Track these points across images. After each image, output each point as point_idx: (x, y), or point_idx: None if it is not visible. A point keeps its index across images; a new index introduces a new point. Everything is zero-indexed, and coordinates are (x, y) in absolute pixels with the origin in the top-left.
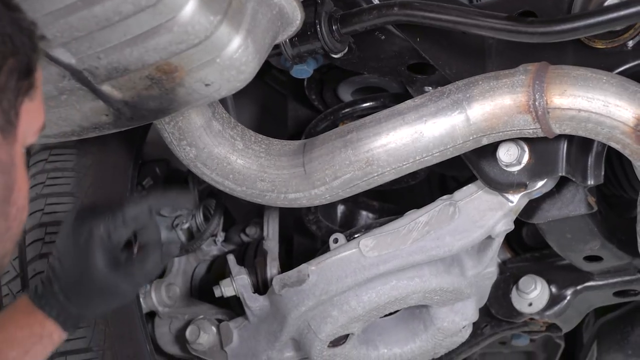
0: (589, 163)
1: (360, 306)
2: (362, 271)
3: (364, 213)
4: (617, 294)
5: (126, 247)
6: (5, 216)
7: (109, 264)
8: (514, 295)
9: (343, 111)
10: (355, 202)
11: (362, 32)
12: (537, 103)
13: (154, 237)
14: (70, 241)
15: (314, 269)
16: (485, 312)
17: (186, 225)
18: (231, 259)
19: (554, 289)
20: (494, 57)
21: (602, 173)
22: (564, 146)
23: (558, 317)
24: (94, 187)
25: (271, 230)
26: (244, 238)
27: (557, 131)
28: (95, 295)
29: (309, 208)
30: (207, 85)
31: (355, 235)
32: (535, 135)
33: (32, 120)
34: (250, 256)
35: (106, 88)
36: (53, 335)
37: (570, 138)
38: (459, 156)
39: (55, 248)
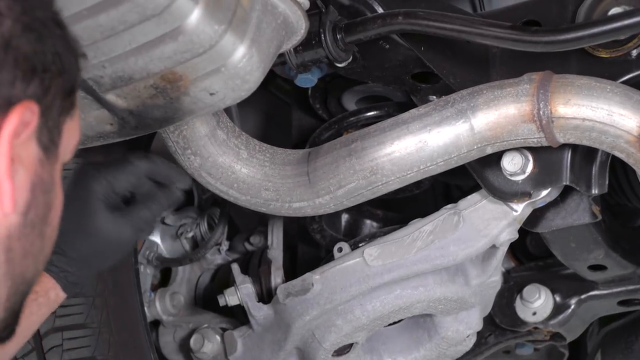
0: (593, 172)
1: (364, 315)
2: (366, 280)
3: (368, 222)
4: (621, 303)
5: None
6: (42, 236)
7: (108, 209)
8: (518, 304)
9: (347, 120)
10: (359, 211)
11: (367, 41)
12: (541, 112)
13: (171, 175)
14: (69, 195)
15: (318, 278)
16: (489, 321)
17: (190, 234)
18: (235, 267)
19: (558, 298)
20: (498, 66)
21: (606, 182)
22: (568, 155)
23: (562, 326)
24: None
25: (275, 239)
26: (248, 247)
27: (561, 140)
28: (94, 244)
29: (313, 217)
30: (211, 94)
31: (360, 244)
32: (539, 145)
33: (71, 138)
34: (255, 265)
35: (111, 97)
36: (49, 292)
37: (574, 147)
38: (463, 165)
39: None
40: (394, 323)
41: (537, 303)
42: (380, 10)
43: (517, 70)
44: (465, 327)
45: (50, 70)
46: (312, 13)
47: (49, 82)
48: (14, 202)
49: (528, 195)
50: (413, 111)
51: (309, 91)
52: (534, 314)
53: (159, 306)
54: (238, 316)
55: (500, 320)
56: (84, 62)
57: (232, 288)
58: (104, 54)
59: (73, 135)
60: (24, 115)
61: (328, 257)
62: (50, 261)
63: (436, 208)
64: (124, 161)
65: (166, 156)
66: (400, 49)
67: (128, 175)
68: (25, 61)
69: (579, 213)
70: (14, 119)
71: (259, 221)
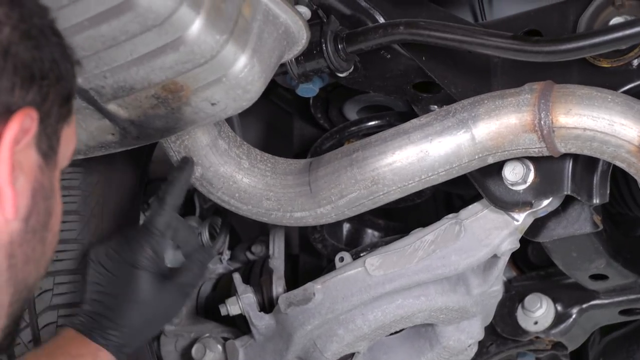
0: (595, 182)
1: (366, 325)
2: (367, 290)
3: (369, 231)
4: (623, 312)
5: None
6: (43, 242)
7: (155, 278)
8: (519, 313)
9: (349, 130)
10: (360, 221)
11: (368, 51)
12: (542, 122)
13: (192, 240)
14: (116, 268)
15: (319, 288)
16: (490, 330)
17: None
18: (237, 277)
19: (559, 308)
20: (500, 76)
21: (608, 192)
22: (569, 165)
23: (564, 335)
24: (100, 206)
25: (277, 249)
26: (250, 256)
27: (563, 150)
28: (145, 313)
29: (314, 226)
30: (213, 104)
31: (361, 254)
32: (540, 154)
33: (69, 145)
34: (256, 274)
35: (112, 107)
36: (97, 358)
37: (575, 157)
38: (464, 175)
39: (92, 282)
40: (396, 332)
41: (539, 312)
42: (381, 20)
43: (518, 79)
44: (466, 336)
45: (48, 77)
46: (314, 23)
47: (47, 89)
48: (15, 209)
49: (529, 204)
50: (414, 121)
51: (311, 101)
52: (536, 323)
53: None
54: (240, 326)
55: (502, 329)
56: (79, 70)
57: (234, 297)
58: (106, 64)
59: (70, 141)
60: (24, 122)
61: (329, 267)
62: (104, 334)
63: (437, 217)
64: (152, 220)
65: (168, 165)
66: (401, 59)
67: (164, 234)
68: (24, 68)
69: (580, 222)
70: (14, 126)
71: (261, 230)
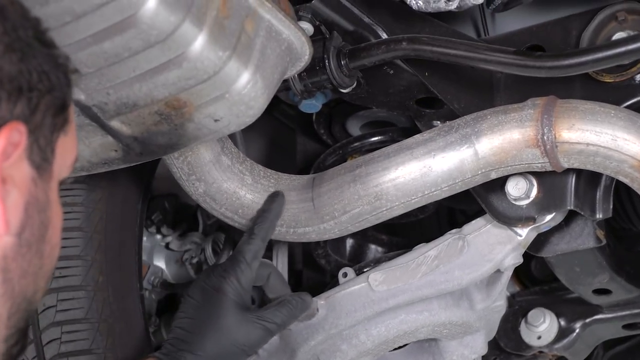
0: (598, 197)
1: (369, 340)
2: (371, 305)
3: (373, 247)
4: (626, 326)
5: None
6: (40, 254)
7: (239, 309)
8: (522, 328)
9: (352, 145)
10: (364, 236)
11: (371, 66)
12: (545, 137)
13: (280, 279)
14: (200, 296)
15: (323, 303)
16: (494, 345)
17: (195, 260)
18: None
19: (562, 322)
20: (503, 91)
21: (611, 206)
22: (572, 180)
23: (567, 350)
24: (103, 222)
25: (280, 264)
26: None
27: (566, 165)
28: (224, 343)
29: (317, 242)
30: (216, 120)
31: (364, 270)
32: (543, 169)
33: (67, 155)
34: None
35: (115, 124)
36: None
37: (578, 172)
38: (467, 190)
39: (180, 311)
40: (399, 347)
41: (542, 327)
42: (384, 35)
43: (521, 95)
44: (470, 351)
45: (37, 88)
46: (316, 39)
47: (37, 101)
48: (6, 223)
49: (532, 219)
50: (417, 136)
51: (314, 116)
52: (539, 337)
53: (164, 332)
54: None
55: (505, 344)
56: (77, 78)
57: None
58: (109, 80)
59: (69, 151)
60: (12, 137)
61: (333, 282)
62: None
63: (441, 233)
64: (240, 249)
65: (171, 182)
66: (404, 75)
67: (251, 265)
68: (10, 81)
69: (583, 237)
70: (1, 141)
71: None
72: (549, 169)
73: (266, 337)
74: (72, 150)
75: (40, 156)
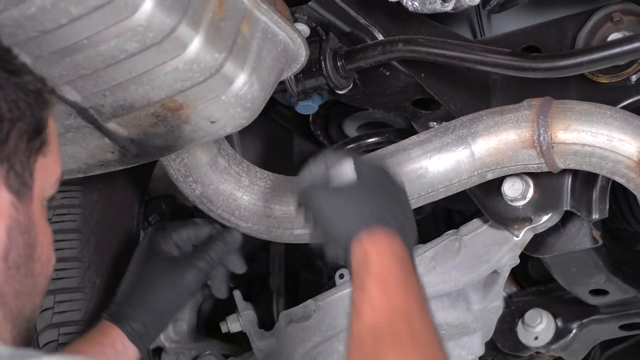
0: (594, 197)
1: None
2: None
3: None
4: (623, 327)
5: None
6: (31, 273)
7: (171, 257)
8: (519, 328)
9: (348, 147)
10: None
11: (367, 68)
12: (541, 138)
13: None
14: (137, 255)
15: (320, 305)
16: (491, 346)
17: None
18: (237, 294)
19: (559, 323)
20: (499, 92)
21: (607, 207)
22: (568, 180)
23: (564, 350)
24: (100, 223)
25: (277, 266)
26: (250, 273)
27: (562, 166)
28: (163, 292)
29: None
30: (212, 122)
31: None
32: (539, 170)
33: (48, 175)
34: (257, 292)
35: (112, 125)
36: (116, 344)
37: (574, 172)
38: (464, 191)
39: (127, 270)
40: None
41: (539, 327)
42: (380, 37)
43: (517, 96)
44: (467, 352)
45: (6, 118)
46: (313, 40)
47: (8, 130)
48: None
49: (529, 220)
50: (413, 138)
51: (310, 118)
52: (536, 338)
53: (161, 334)
54: (240, 343)
55: (502, 345)
56: (55, 98)
57: (235, 315)
58: (105, 82)
59: (51, 171)
60: None
61: (330, 284)
62: (115, 312)
63: (438, 234)
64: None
65: (168, 183)
66: (400, 76)
67: (188, 230)
68: None
69: (579, 238)
70: None
71: (261, 248)
72: (545, 169)
73: (200, 275)
74: (53, 170)
75: (18, 181)
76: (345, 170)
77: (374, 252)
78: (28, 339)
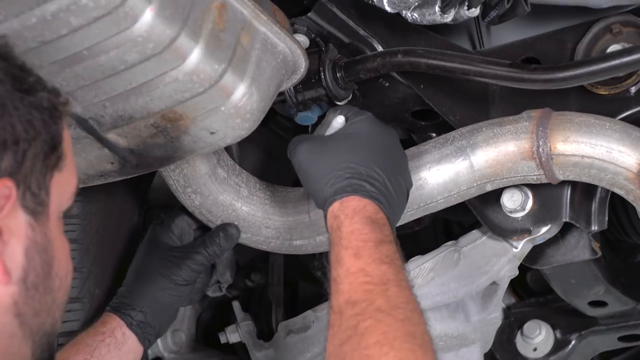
0: (593, 209)
1: None
2: None
3: None
4: (622, 338)
5: None
6: (50, 290)
7: (169, 250)
8: (518, 340)
9: None
10: None
11: (366, 79)
12: (540, 149)
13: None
14: (140, 250)
15: (319, 315)
16: (490, 357)
17: None
18: (236, 305)
19: (558, 334)
20: (498, 103)
21: (606, 218)
22: (567, 192)
23: None
24: (100, 234)
25: (276, 277)
26: (249, 284)
27: (561, 177)
28: (161, 284)
29: (313, 254)
30: (212, 133)
31: None
32: (539, 182)
33: (65, 189)
34: (255, 302)
35: (112, 136)
36: (115, 332)
37: (573, 184)
38: (463, 202)
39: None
40: None
41: (538, 339)
42: (379, 48)
43: (516, 107)
44: None
45: (22, 139)
46: (312, 51)
47: (24, 151)
48: (6, 274)
49: (528, 232)
50: (412, 149)
51: (309, 129)
52: (535, 349)
53: (160, 343)
54: (239, 353)
55: (501, 356)
56: (70, 108)
57: (233, 325)
58: (105, 93)
59: (67, 185)
60: (0, 192)
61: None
62: (117, 304)
63: (436, 245)
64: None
65: (167, 193)
66: (399, 87)
67: (185, 218)
68: None
69: (578, 249)
70: None
71: (260, 258)
72: (545, 181)
73: (197, 268)
74: (69, 183)
75: (34, 201)
76: (335, 123)
77: (346, 222)
78: (50, 352)
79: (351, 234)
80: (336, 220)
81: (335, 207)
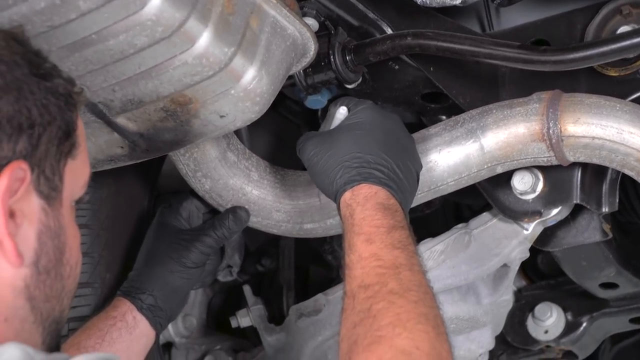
0: (604, 190)
1: None
2: None
3: None
4: (633, 320)
5: None
6: (60, 277)
7: (178, 233)
8: (529, 322)
9: None
10: None
11: (376, 62)
12: (551, 131)
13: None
14: (150, 233)
15: (330, 299)
16: (501, 339)
17: None
18: (247, 289)
19: (570, 316)
20: (508, 85)
21: (617, 200)
22: (578, 174)
23: (574, 344)
24: (110, 219)
25: (287, 261)
26: (260, 268)
27: (571, 159)
28: (170, 267)
29: (324, 238)
30: (222, 116)
31: None
32: (549, 164)
33: (78, 177)
34: (266, 286)
35: (121, 120)
36: (126, 316)
37: (584, 165)
38: (473, 184)
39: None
40: None
41: (549, 321)
42: (389, 31)
43: (526, 89)
44: (477, 346)
45: (37, 123)
46: (321, 35)
47: (39, 135)
48: (19, 256)
49: (539, 214)
50: (423, 131)
51: (319, 112)
52: (546, 332)
53: (171, 328)
54: (250, 338)
55: (512, 338)
56: (83, 96)
57: (244, 310)
58: (114, 77)
59: (80, 173)
60: (14, 175)
61: (340, 278)
62: (126, 288)
63: (447, 228)
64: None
65: (177, 178)
66: (409, 70)
67: (194, 201)
68: (9, 122)
69: (589, 231)
70: (3, 180)
71: (271, 242)
72: (555, 163)
73: (206, 250)
74: (82, 172)
75: (48, 186)
76: (339, 114)
77: (358, 209)
78: (57, 339)
79: (363, 220)
80: (348, 209)
81: (347, 196)
